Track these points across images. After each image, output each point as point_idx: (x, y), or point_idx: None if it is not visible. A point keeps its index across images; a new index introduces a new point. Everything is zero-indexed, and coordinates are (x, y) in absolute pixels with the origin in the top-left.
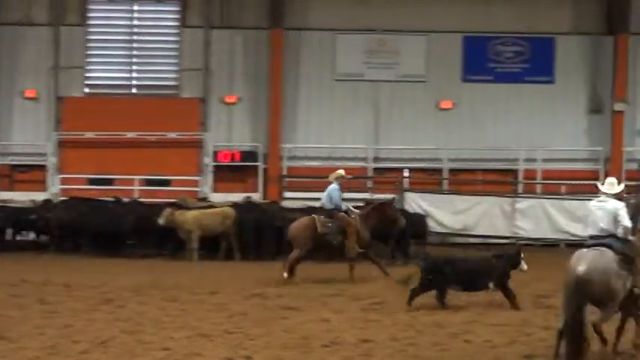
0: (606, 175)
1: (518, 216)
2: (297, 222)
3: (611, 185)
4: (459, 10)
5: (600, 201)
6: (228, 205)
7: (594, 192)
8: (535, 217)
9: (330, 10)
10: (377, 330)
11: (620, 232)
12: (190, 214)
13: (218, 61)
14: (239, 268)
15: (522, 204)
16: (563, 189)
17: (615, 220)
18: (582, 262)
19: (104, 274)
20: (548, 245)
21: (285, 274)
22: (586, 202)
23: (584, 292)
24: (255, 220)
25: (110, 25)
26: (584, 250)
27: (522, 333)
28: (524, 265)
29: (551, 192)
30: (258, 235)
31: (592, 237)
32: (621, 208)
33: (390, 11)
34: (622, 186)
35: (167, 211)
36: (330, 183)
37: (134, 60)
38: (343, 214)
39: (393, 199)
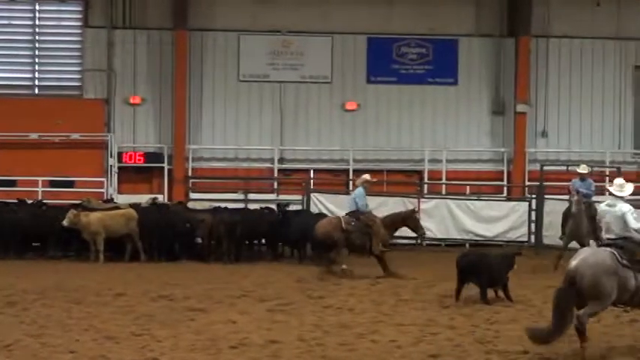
0: (509, 176)
1: (423, 216)
2: (325, 222)
3: (621, 187)
4: (363, 11)
5: (609, 205)
6: (130, 206)
7: (498, 192)
8: (440, 218)
9: (234, 11)
10: (284, 331)
11: (634, 235)
12: (94, 216)
13: (122, 62)
14: (145, 270)
15: (427, 204)
16: (467, 189)
17: (625, 223)
18: (577, 257)
19: (7, 277)
20: (454, 245)
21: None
22: (491, 202)
23: (573, 286)
24: (161, 221)
25: (11, 25)
26: (587, 248)
27: (428, 333)
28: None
29: (455, 192)
30: (164, 237)
31: (608, 239)
32: (628, 211)
33: (295, 12)
34: (631, 187)
35: (71, 212)
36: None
37: (36, 60)
38: (368, 213)
39: (414, 210)
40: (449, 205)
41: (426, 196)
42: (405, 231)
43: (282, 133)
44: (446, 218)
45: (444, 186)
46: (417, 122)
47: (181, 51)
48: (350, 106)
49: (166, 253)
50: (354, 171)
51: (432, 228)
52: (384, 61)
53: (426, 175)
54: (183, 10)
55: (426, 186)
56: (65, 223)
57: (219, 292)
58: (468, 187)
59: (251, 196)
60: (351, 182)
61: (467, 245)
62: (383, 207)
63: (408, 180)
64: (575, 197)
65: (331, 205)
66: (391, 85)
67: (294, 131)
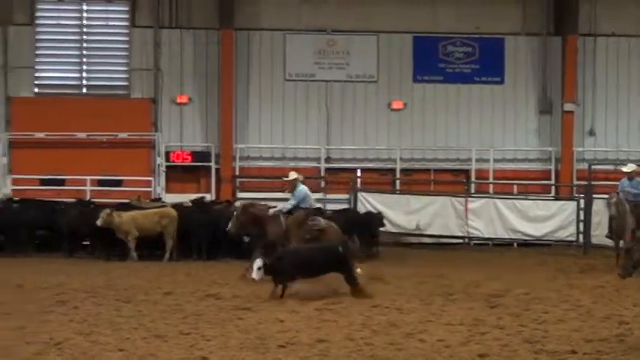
0: (557, 175)
1: (470, 216)
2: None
3: None
4: (409, 10)
5: None
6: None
7: (546, 191)
8: (487, 217)
9: (280, 10)
10: (332, 330)
11: None
12: (127, 215)
13: (169, 61)
14: (193, 269)
15: (475, 204)
16: (515, 189)
17: None
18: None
19: (58, 276)
20: (501, 245)
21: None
22: (538, 201)
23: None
24: (205, 220)
25: (59, 25)
26: None
27: (476, 332)
28: None
29: (503, 192)
30: (209, 236)
31: None
32: None
33: (341, 11)
34: None
35: (105, 212)
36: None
37: (84, 60)
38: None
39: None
40: (496, 205)
41: (474, 195)
42: (452, 230)
43: (329, 133)
44: (493, 218)
45: (491, 185)
46: (463, 121)
47: (228, 50)
48: (396, 105)
49: (212, 253)
50: (400, 170)
51: (480, 227)
52: (430, 60)
53: (473, 175)
54: (229, 10)
55: (473, 185)
56: (99, 222)
57: (268, 291)
58: (515, 186)
59: None
60: (398, 181)
61: (515, 245)
62: (430, 206)
63: (455, 179)
64: (614, 199)
65: (378, 204)
66: (437, 84)
67: (341, 130)
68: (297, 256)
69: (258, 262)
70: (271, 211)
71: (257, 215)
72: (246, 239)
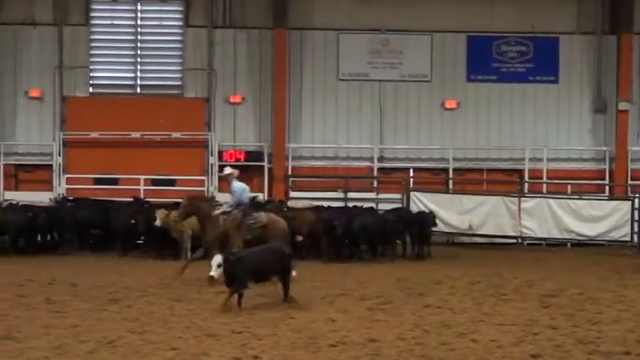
0: (611, 174)
1: (524, 215)
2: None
3: None
4: (462, 9)
5: None
6: None
7: (600, 191)
8: (541, 217)
9: (333, 9)
10: (384, 329)
11: None
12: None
13: (222, 61)
14: None
15: (528, 203)
16: (569, 188)
17: None
18: None
19: (111, 274)
20: (554, 245)
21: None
22: (592, 201)
23: None
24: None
25: (114, 25)
26: None
27: (529, 332)
28: None
29: (556, 191)
30: None
31: None
32: None
33: (394, 11)
34: None
35: (162, 212)
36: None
37: (138, 59)
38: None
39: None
40: (550, 205)
41: (527, 195)
42: (505, 230)
43: (382, 132)
44: (547, 217)
45: (544, 185)
46: (517, 121)
47: (281, 50)
48: (449, 104)
49: None
50: (453, 170)
51: (533, 227)
52: (483, 60)
53: (526, 174)
54: (282, 9)
55: (526, 185)
56: (158, 223)
57: (319, 290)
58: (569, 186)
59: (351, 194)
60: (450, 181)
61: (568, 245)
62: (483, 206)
63: (509, 179)
64: None
65: (431, 204)
66: (491, 84)
67: (394, 130)
68: (250, 259)
69: (217, 259)
70: (216, 212)
71: (200, 210)
72: (299, 238)
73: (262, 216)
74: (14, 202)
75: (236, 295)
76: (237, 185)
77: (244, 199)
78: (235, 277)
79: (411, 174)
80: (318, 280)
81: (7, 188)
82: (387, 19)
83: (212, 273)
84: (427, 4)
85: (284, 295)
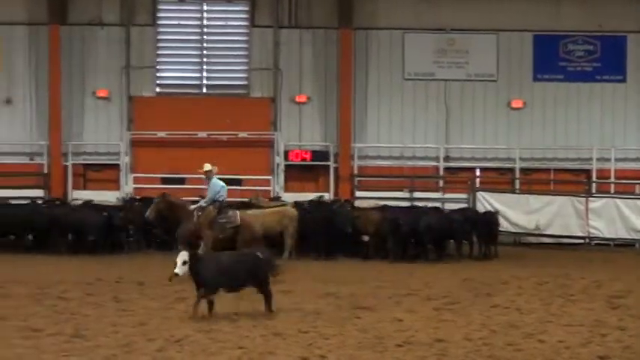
0: None
1: (591, 215)
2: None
3: None
4: (529, 8)
5: None
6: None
7: None
8: (609, 217)
9: (398, 9)
10: (451, 330)
11: None
12: (250, 214)
13: (288, 61)
14: (312, 267)
15: (596, 203)
16: (637, 188)
17: None
18: None
19: None
20: (622, 245)
21: None
22: None
23: None
24: (323, 219)
25: (180, 25)
26: None
27: (597, 333)
28: None
29: (625, 191)
30: (327, 234)
31: None
32: None
33: (460, 10)
34: None
35: (233, 212)
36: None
37: (204, 60)
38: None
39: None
40: (617, 205)
41: (595, 195)
42: (572, 230)
43: (448, 132)
44: (614, 218)
45: (612, 185)
46: (584, 120)
47: (346, 49)
48: (516, 104)
49: (329, 251)
50: (520, 170)
51: (601, 227)
52: (550, 59)
53: (594, 174)
54: (348, 9)
55: (594, 185)
56: None
57: (385, 290)
58: (637, 186)
59: (416, 194)
60: (517, 181)
61: (636, 245)
62: (550, 206)
63: (576, 179)
64: None
65: (497, 204)
66: (558, 83)
67: (460, 129)
68: (221, 262)
69: (182, 256)
70: (192, 207)
71: (173, 205)
72: (366, 238)
73: (237, 216)
74: (90, 202)
75: (206, 302)
76: (216, 182)
77: (221, 196)
78: (204, 279)
79: (477, 174)
80: (384, 280)
81: (75, 187)
82: (452, 19)
83: (176, 270)
84: (493, 3)
85: (266, 306)
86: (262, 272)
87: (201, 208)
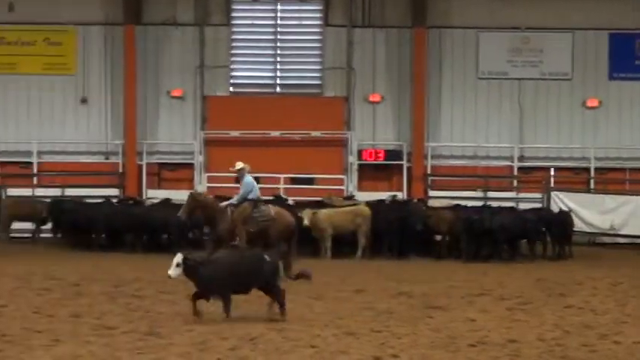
0: None
1: None
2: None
3: None
4: (604, 6)
5: None
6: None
7: None
8: None
9: (472, 8)
10: (524, 330)
11: None
12: (322, 213)
13: (361, 60)
14: (385, 267)
15: None
16: None
17: None
18: None
19: None
20: None
21: None
22: None
23: None
24: (397, 218)
25: (254, 25)
26: None
27: None
28: None
29: None
30: (402, 234)
31: None
32: None
33: (534, 9)
34: None
35: (309, 211)
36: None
37: (278, 59)
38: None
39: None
40: None
41: None
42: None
43: (522, 131)
44: None
45: None
46: None
47: (420, 49)
48: (591, 103)
49: (403, 251)
50: (595, 169)
51: None
52: (626, 57)
53: None
54: (421, 8)
55: None
56: (306, 222)
57: (458, 289)
58: None
59: (490, 194)
60: (592, 180)
61: None
62: (625, 206)
63: None
64: None
65: (572, 204)
66: (634, 82)
67: (534, 129)
68: (217, 266)
69: (177, 258)
70: (223, 204)
71: (204, 204)
72: (438, 237)
73: (270, 210)
74: (168, 200)
75: (222, 304)
76: (248, 181)
77: (253, 194)
78: (200, 281)
79: (552, 173)
80: (457, 279)
81: (150, 187)
82: (527, 17)
83: (169, 272)
84: (568, 2)
85: (279, 309)
86: (268, 275)
87: (234, 206)
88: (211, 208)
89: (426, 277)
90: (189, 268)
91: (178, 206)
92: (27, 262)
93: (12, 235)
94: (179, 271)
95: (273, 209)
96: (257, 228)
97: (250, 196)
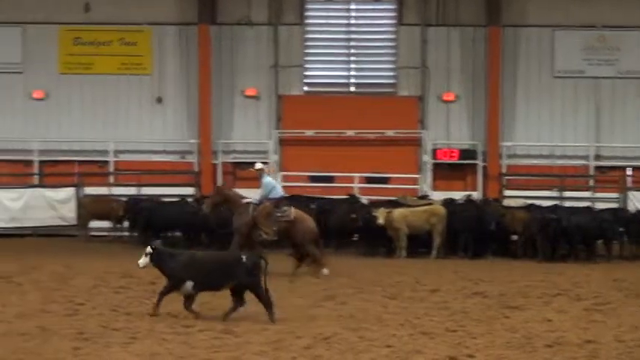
0: None
1: None
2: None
3: None
4: None
5: None
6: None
7: None
8: None
9: (548, 6)
10: (601, 331)
11: None
12: (398, 212)
13: (435, 59)
14: (460, 267)
15: None
16: None
17: None
18: None
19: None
20: None
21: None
22: None
23: None
24: (474, 218)
25: (328, 24)
26: None
27: None
28: None
29: None
30: (477, 233)
31: None
32: None
33: (611, 6)
34: None
35: (383, 210)
36: None
37: (352, 58)
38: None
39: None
40: None
41: None
42: None
43: (598, 130)
44: None
45: None
46: None
47: (495, 47)
48: None
49: (478, 250)
50: None
51: None
52: None
53: None
54: (496, 7)
55: None
56: (380, 221)
57: (534, 289)
58: None
59: (566, 193)
60: None
61: None
62: None
63: None
64: None
65: None
66: None
67: (611, 127)
68: (188, 259)
69: (148, 248)
70: (246, 200)
71: (229, 198)
72: (514, 237)
73: (291, 212)
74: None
75: (183, 298)
76: (268, 182)
77: (275, 194)
78: (168, 271)
79: (629, 173)
80: (533, 279)
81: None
82: (603, 15)
83: (139, 261)
84: None
85: (267, 313)
86: (242, 275)
87: (256, 205)
88: (234, 202)
89: (502, 277)
90: (156, 258)
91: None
92: (105, 261)
93: (91, 233)
94: (147, 260)
95: (293, 212)
96: (277, 227)
97: (272, 196)
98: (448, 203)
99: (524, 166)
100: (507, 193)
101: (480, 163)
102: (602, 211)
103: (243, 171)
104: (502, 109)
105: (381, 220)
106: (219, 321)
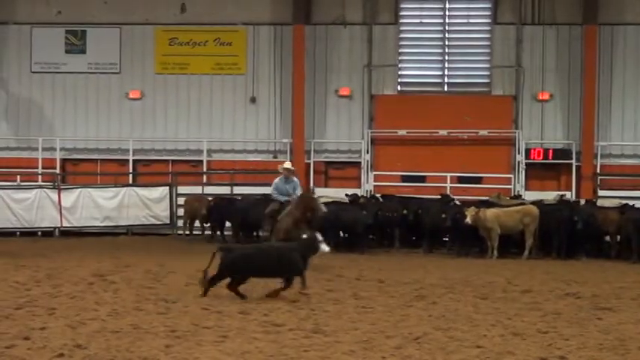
0: None
1: None
2: None
3: None
4: None
5: None
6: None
7: None
8: None
9: None
10: None
11: None
12: (490, 212)
13: (530, 58)
14: (552, 267)
15: None
16: None
17: None
18: None
19: (416, 271)
20: None
21: None
22: None
23: None
24: (564, 218)
25: (422, 24)
26: None
27: None
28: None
29: None
30: (569, 234)
31: None
32: None
33: None
34: None
35: (472, 209)
36: None
37: (446, 58)
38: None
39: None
40: None
41: None
42: None
43: None
44: None
45: None
46: None
47: (591, 46)
48: None
49: (571, 251)
50: None
51: None
52: None
53: None
54: (593, 5)
55: None
56: (469, 220)
57: (628, 291)
58: None
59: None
60: None
61: None
62: None
63: None
64: None
65: None
66: None
67: None
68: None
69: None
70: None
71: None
72: (607, 238)
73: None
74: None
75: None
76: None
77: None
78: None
79: None
80: (627, 280)
81: (317, 185)
82: None
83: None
84: None
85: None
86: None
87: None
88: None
89: (595, 278)
90: None
91: (362, 205)
92: (198, 260)
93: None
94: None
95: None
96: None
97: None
98: (539, 203)
99: (618, 166)
100: (601, 193)
101: (574, 162)
102: None
103: (335, 170)
104: (597, 108)
105: (468, 220)
106: (309, 320)
